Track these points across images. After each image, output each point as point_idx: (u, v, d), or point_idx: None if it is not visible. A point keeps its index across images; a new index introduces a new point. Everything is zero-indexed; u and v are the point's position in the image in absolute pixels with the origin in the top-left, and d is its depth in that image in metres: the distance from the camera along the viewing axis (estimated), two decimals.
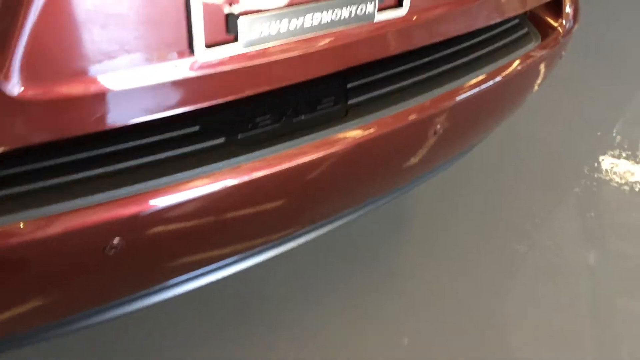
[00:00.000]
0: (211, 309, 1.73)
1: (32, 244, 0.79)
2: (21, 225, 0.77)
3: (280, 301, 1.77)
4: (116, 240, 0.87)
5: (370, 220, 2.05)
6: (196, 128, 0.94)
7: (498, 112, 1.43)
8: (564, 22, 1.40)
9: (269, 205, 1.03)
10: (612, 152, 2.55)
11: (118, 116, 0.82)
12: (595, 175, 2.41)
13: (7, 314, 0.93)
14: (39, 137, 0.77)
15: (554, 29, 1.39)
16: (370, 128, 1.07)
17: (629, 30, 3.69)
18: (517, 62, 1.31)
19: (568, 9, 1.39)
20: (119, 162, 0.86)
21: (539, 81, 1.50)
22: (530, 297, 1.86)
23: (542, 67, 1.41)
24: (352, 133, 1.05)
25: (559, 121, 2.72)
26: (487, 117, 1.40)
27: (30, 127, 0.75)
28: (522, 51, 1.31)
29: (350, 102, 1.07)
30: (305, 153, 0.99)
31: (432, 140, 1.21)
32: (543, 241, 2.08)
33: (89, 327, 1.16)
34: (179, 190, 0.88)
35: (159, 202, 0.88)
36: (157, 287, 1.17)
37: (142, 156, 0.88)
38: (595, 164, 2.47)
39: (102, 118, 0.80)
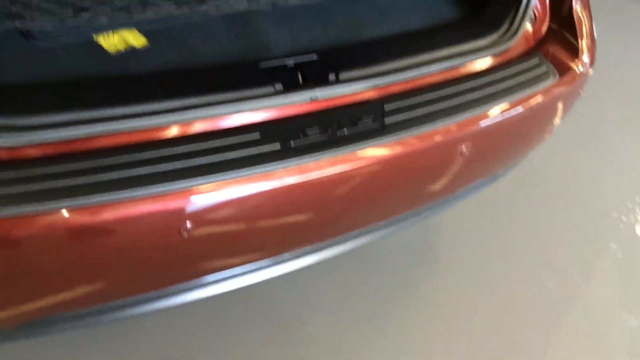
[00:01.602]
0: (250, 315, 1.88)
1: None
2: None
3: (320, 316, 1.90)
4: (189, 224, 1.06)
5: (399, 243, 2.18)
6: (257, 135, 1.13)
7: (517, 143, 1.58)
8: (581, 62, 1.56)
9: (312, 207, 1.21)
10: None
11: None
12: (631, 217, 2.50)
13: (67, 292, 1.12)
14: None
15: (571, 68, 1.55)
16: (401, 144, 1.24)
17: None
18: (536, 97, 1.47)
19: (584, 49, 1.56)
20: (197, 157, 1.05)
21: (558, 116, 1.65)
22: (555, 327, 1.95)
23: (560, 103, 1.57)
24: (386, 146, 1.22)
25: (594, 159, 2.81)
26: (506, 147, 1.56)
27: None
28: (540, 87, 1.47)
29: (387, 120, 1.25)
30: (346, 161, 1.17)
31: (454, 162, 1.37)
32: (573, 278, 2.17)
33: (133, 316, 1.33)
34: (241, 184, 1.06)
35: (226, 193, 1.06)
36: (210, 279, 1.34)
37: (214, 154, 1.07)
38: (630, 205, 2.56)
39: None
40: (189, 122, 1.11)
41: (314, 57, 1.31)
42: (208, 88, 1.15)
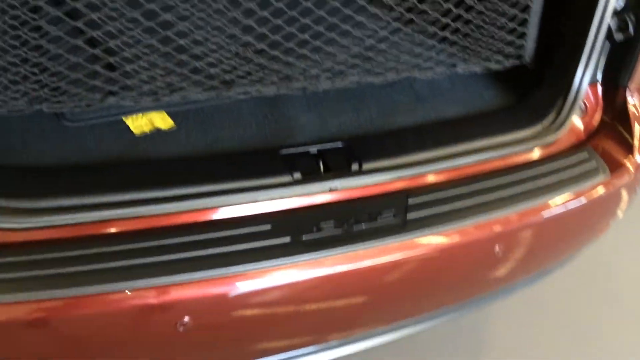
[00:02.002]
0: None
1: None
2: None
3: None
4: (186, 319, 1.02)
5: (448, 339, 2.04)
6: (268, 227, 1.09)
7: (562, 242, 1.46)
8: (636, 159, 1.43)
9: (321, 304, 1.14)
10: None
11: None
12: None
13: None
14: None
15: (624, 165, 1.43)
16: (425, 243, 1.16)
17: None
18: (583, 194, 1.35)
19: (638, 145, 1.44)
20: (199, 249, 1.02)
21: (612, 212, 1.52)
22: None
23: (612, 200, 1.44)
24: (408, 245, 1.15)
25: None
26: (549, 246, 1.43)
27: None
28: (588, 184, 1.35)
29: (409, 216, 1.18)
30: (361, 258, 1.10)
31: (486, 262, 1.27)
32: None
33: None
34: (243, 280, 1.02)
35: (227, 288, 1.02)
36: None
37: (218, 246, 1.04)
38: None
39: None
40: (200, 210, 1.09)
41: (339, 144, 1.27)
42: (224, 175, 1.13)
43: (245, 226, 1.08)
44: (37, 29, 1.09)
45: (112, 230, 1.03)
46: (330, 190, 1.18)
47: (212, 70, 1.23)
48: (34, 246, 0.99)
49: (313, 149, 1.24)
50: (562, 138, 1.44)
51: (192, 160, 1.19)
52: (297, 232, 1.10)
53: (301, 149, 1.24)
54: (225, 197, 1.09)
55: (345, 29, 1.34)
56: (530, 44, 1.55)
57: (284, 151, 1.22)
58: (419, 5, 1.41)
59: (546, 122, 1.44)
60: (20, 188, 1.01)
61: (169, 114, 1.29)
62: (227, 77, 1.25)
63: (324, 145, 1.26)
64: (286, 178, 1.15)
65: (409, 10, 1.43)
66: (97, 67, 1.13)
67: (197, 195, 1.07)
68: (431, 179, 1.27)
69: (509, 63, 1.56)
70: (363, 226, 1.14)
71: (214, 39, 1.24)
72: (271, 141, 1.28)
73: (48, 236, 1.00)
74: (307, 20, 1.28)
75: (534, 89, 1.53)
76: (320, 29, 1.30)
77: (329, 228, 1.12)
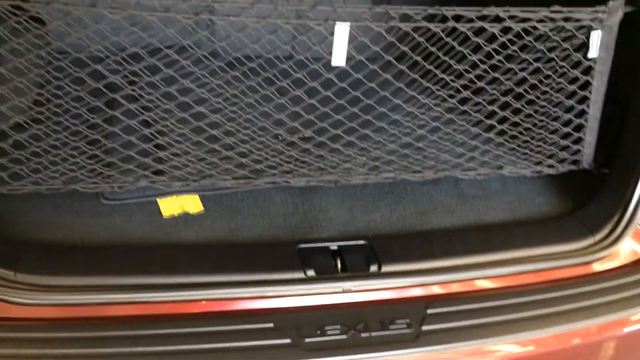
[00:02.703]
0: None
1: None
2: None
3: None
4: None
5: None
6: (270, 324, 1.06)
7: None
8: None
9: None
10: None
11: None
12: None
13: None
14: None
15: None
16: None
17: None
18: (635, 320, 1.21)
19: None
20: (192, 343, 1.01)
21: None
22: None
23: None
24: None
25: None
26: None
27: None
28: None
29: (424, 327, 1.10)
30: None
31: None
32: None
33: None
34: None
35: None
36: None
37: (214, 342, 1.02)
38: None
39: None
40: (203, 300, 1.09)
41: (361, 242, 1.23)
42: (235, 266, 1.13)
43: (247, 322, 1.06)
44: (78, 116, 1.18)
45: (115, 313, 1.04)
46: (344, 291, 1.13)
47: (243, 160, 1.26)
48: (42, 323, 1.02)
49: (333, 246, 1.22)
50: (617, 253, 1.31)
51: (208, 247, 1.20)
52: (299, 334, 1.06)
53: (320, 244, 1.21)
54: (231, 290, 1.09)
55: (380, 125, 1.33)
56: (588, 149, 1.46)
57: (303, 245, 1.20)
58: (460, 106, 1.39)
59: (598, 236, 1.32)
60: (39, 265, 1.06)
61: (202, 197, 1.33)
62: (258, 166, 1.28)
63: (346, 242, 1.23)
64: (299, 274, 1.13)
65: (450, 110, 1.41)
66: (131, 153, 1.20)
67: (201, 286, 1.08)
68: (456, 288, 1.19)
69: (564, 168, 1.47)
70: (372, 334, 1.08)
71: (245, 131, 1.27)
72: (294, 233, 1.27)
73: (60, 314, 1.04)
74: (339, 117, 1.28)
75: (592, 199, 1.42)
76: (354, 125, 1.31)
77: (334, 332, 1.07)
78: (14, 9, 1.05)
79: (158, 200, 1.30)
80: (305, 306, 1.12)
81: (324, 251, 1.20)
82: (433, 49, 1.26)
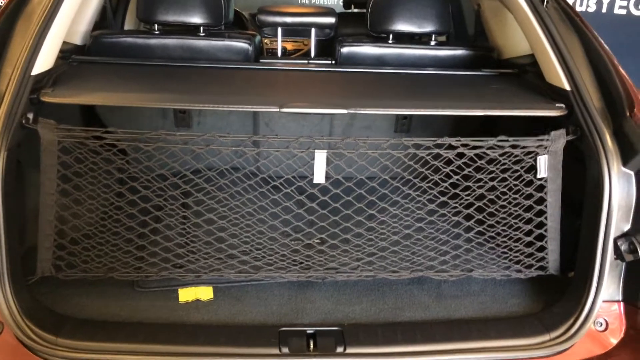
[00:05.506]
0: None
1: None
2: None
3: None
4: None
5: None
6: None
7: None
8: None
9: None
10: None
11: None
12: None
13: None
14: None
15: None
16: None
17: None
18: None
19: None
20: None
21: None
22: None
23: None
24: None
25: None
26: None
27: None
28: None
29: None
30: None
31: None
32: None
33: None
34: None
35: None
36: None
37: None
38: None
39: None
40: None
41: (335, 328, 1.46)
42: (225, 341, 1.39)
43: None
44: (119, 221, 1.57)
45: None
46: None
47: (245, 257, 1.57)
48: None
49: (310, 330, 1.46)
50: (574, 353, 1.44)
51: (209, 327, 1.48)
52: None
53: (300, 328, 1.46)
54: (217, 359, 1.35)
55: (359, 232, 1.62)
56: (552, 256, 1.65)
57: (284, 328, 1.45)
58: (428, 217, 1.65)
59: (554, 334, 1.46)
60: (75, 332, 1.38)
61: (215, 288, 1.63)
62: (257, 263, 1.58)
63: (323, 328, 1.47)
64: (274, 351, 1.37)
65: (421, 219, 1.68)
66: (157, 249, 1.54)
67: (193, 354, 1.34)
68: None
69: (531, 273, 1.65)
70: None
71: (246, 234, 1.60)
72: (282, 319, 1.52)
73: None
74: (323, 224, 1.59)
75: (558, 300, 1.58)
76: (337, 230, 1.60)
77: None
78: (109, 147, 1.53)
79: (179, 289, 1.62)
80: None
81: (301, 334, 1.44)
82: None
